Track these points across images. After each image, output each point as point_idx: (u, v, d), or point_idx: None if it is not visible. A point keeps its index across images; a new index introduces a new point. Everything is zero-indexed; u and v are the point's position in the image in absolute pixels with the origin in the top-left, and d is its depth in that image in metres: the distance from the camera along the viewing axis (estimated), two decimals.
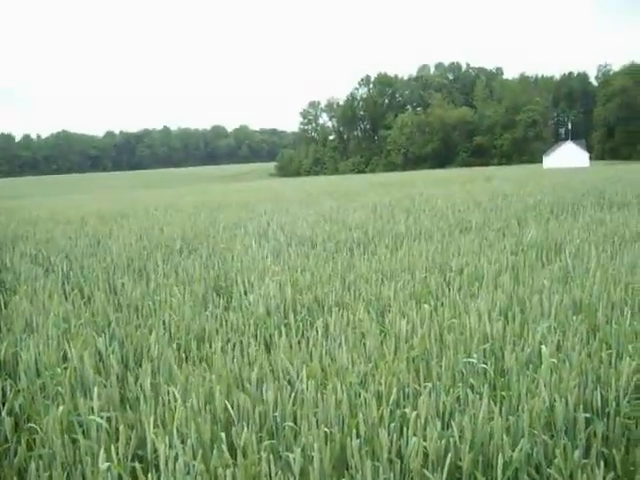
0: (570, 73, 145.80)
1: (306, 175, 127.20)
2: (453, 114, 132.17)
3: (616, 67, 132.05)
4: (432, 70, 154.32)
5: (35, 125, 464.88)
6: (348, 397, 4.63)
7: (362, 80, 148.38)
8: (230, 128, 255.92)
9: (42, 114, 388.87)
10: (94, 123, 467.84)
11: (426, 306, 6.98)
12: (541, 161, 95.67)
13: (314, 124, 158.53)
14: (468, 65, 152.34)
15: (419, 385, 4.98)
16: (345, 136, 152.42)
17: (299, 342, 6.30)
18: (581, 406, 4.34)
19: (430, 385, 4.80)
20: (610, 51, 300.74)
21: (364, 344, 6.06)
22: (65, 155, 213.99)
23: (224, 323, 7.04)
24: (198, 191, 52.40)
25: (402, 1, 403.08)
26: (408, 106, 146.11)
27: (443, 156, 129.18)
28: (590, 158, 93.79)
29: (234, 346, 6.32)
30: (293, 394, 4.77)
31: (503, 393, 4.83)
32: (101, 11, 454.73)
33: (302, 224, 15.89)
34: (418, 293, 8.17)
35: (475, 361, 5.26)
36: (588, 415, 4.46)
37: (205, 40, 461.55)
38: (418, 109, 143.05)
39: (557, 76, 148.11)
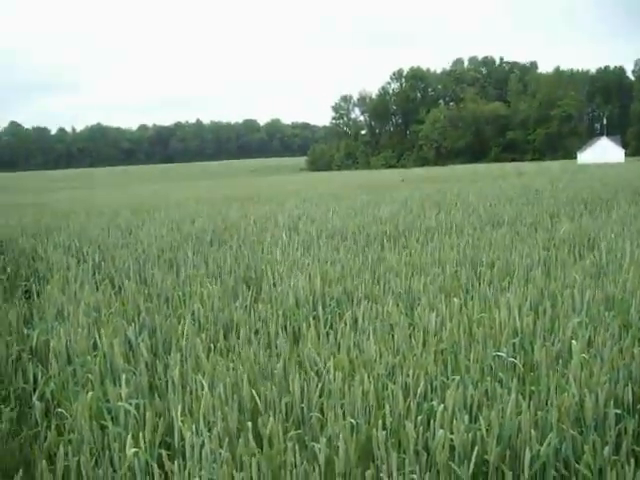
0: (606, 67, 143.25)
1: (337, 169, 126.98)
2: (486, 108, 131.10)
3: None
4: (466, 64, 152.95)
5: (70, 119, 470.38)
6: (375, 389, 4.61)
7: (394, 74, 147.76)
8: (262, 122, 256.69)
9: (78, 108, 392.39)
10: (128, 117, 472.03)
11: (456, 300, 6.94)
12: (575, 157, 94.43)
13: (346, 118, 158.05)
14: (502, 59, 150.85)
15: (447, 378, 4.95)
16: (377, 130, 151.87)
17: (327, 334, 6.30)
18: (612, 402, 4.26)
19: (458, 378, 4.76)
20: None
21: (392, 337, 6.03)
22: (99, 148, 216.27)
23: (252, 314, 7.07)
24: (229, 184, 52.57)
25: None
26: (441, 100, 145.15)
27: (476, 151, 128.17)
28: (625, 154, 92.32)
29: (261, 337, 6.35)
30: (320, 385, 4.77)
31: (532, 387, 4.78)
32: (133, 5, 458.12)
33: (333, 217, 15.90)
34: (448, 287, 8.12)
35: (504, 355, 5.21)
36: (619, 411, 4.39)
37: (239, 34, 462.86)
38: (451, 104, 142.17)
39: (593, 70, 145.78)
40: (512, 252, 10.25)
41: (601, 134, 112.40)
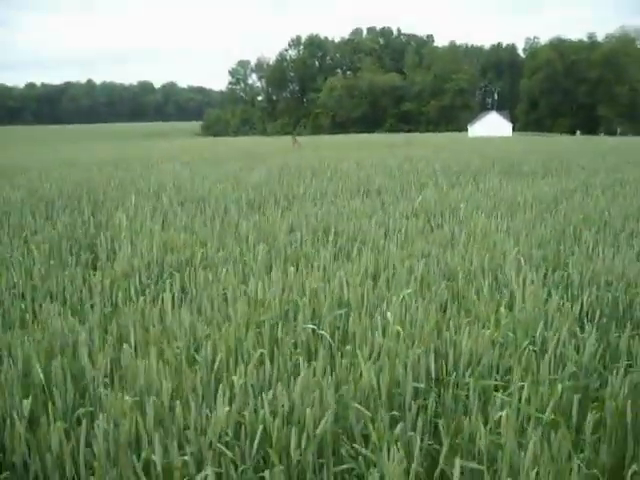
0: (499, 44, 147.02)
1: (233, 135, 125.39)
2: (382, 79, 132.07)
3: (543, 41, 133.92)
4: (364, 34, 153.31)
5: None
6: (170, 363, 4.33)
7: (292, 41, 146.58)
8: (157, 84, 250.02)
9: None
10: (14, 74, 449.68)
11: (292, 268, 6.73)
12: (467, 130, 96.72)
13: (243, 84, 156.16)
14: (399, 31, 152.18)
15: (255, 351, 4.71)
16: (274, 97, 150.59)
17: (152, 302, 5.95)
18: (409, 377, 4.12)
19: (261, 352, 4.53)
20: (539, 25, 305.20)
21: (212, 307, 5.75)
22: None
23: (76, 282, 6.64)
24: (113, 148, 50.81)
25: None
26: (338, 69, 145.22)
27: (371, 121, 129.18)
28: (514, 129, 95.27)
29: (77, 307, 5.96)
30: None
31: (344, 361, 4.61)
32: None
33: (203, 183, 15.45)
34: (294, 255, 7.92)
35: (314, 327, 5.03)
36: (421, 385, 4.28)
37: None
38: (348, 73, 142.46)
39: (487, 46, 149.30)
40: (371, 220, 10.17)
41: (492, 109, 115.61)
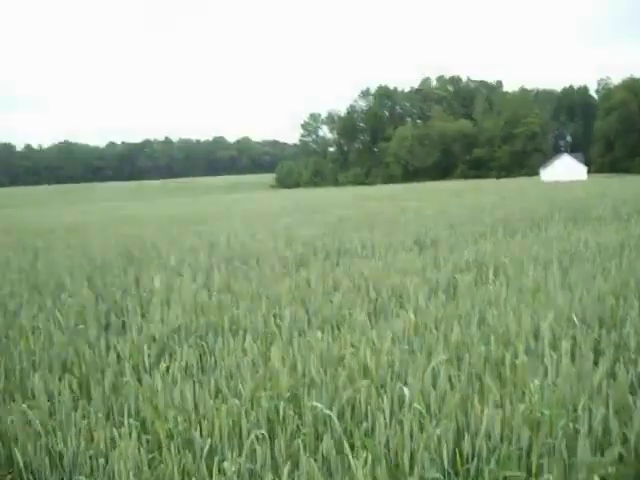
0: (571, 86, 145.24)
1: (305, 187, 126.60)
2: (453, 126, 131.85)
3: (616, 81, 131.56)
4: (433, 83, 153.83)
5: (37, 135, 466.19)
6: None
7: (362, 92, 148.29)
8: (232, 139, 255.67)
9: (44, 124, 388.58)
10: (96, 134, 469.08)
11: (319, 334, 6.32)
12: (539, 174, 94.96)
13: (314, 136, 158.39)
14: (469, 78, 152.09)
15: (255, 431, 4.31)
16: (345, 148, 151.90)
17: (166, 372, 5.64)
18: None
19: (264, 433, 4.12)
20: (610, 66, 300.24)
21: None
22: (67, 165, 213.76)
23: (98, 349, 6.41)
24: (184, 203, 51.73)
25: (405, 14, 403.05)
26: (408, 118, 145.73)
27: (443, 168, 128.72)
28: (589, 171, 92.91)
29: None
30: None
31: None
32: (105, 22, 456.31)
33: (254, 239, 15.31)
34: (327, 318, 7.52)
35: (320, 406, 4.59)
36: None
37: (207, 52, 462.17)
38: (418, 121, 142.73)
39: (558, 90, 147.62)
40: (415, 277, 9.71)
41: (566, 151, 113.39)
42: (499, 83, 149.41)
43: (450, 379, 5.09)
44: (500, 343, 6.05)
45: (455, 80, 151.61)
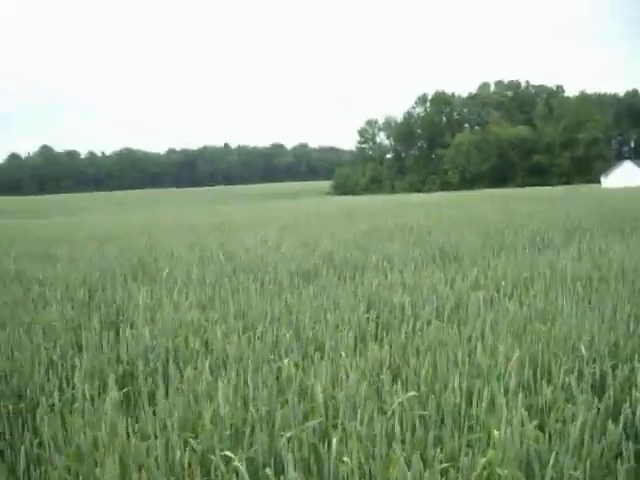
0: (634, 90, 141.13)
1: (361, 194, 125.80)
2: (511, 132, 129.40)
3: None
4: (492, 88, 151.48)
5: (99, 142, 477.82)
6: None
7: (419, 99, 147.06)
8: (289, 146, 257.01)
9: (106, 132, 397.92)
10: (156, 141, 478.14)
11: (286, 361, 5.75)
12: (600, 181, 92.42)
13: (371, 142, 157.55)
14: (528, 83, 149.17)
15: None
16: (402, 155, 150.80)
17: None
18: None
19: None
20: None
21: None
22: (127, 172, 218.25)
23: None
24: (239, 210, 51.68)
25: (462, 18, 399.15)
26: (466, 124, 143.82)
27: (501, 175, 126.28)
28: None
29: None
30: None
31: None
32: (164, 31, 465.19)
33: (272, 249, 14.86)
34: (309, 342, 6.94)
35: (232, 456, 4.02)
36: None
37: (265, 59, 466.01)
38: (476, 127, 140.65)
39: (621, 93, 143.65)
40: (422, 293, 9.06)
41: (629, 158, 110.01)
42: (560, 88, 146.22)
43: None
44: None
45: (514, 85, 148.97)
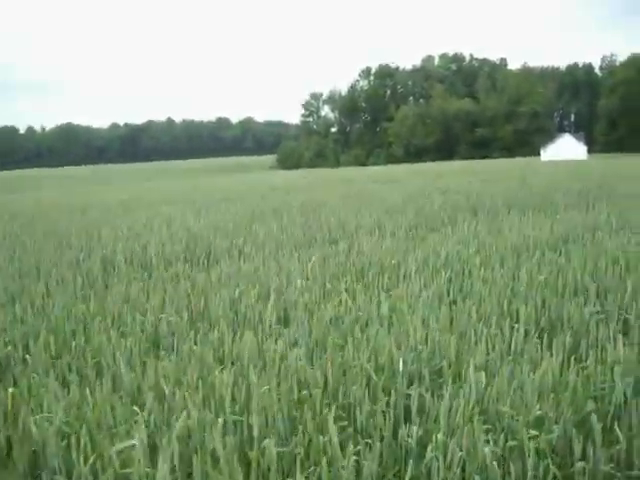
0: (575, 64, 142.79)
1: (307, 167, 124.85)
2: (455, 105, 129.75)
3: (621, 58, 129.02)
4: (436, 61, 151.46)
5: (39, 118, 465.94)
6: None
7: (363, 71, 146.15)
8: (235, 120, 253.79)
9: (47, 107, 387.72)
10: (98, 116, 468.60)
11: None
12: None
13: (316, 116, 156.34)
14: (472, 56, 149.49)
15: None
16: (347, 128, 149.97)
17: None
18: None
19: None
20: (615, 44, 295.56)
21: None
22: (69, 148, 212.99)
23: None
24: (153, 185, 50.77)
25: None
26: (410, 98, 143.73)
27: (445, 148, 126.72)
28: (589, 151, 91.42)
29: None
30: None
31: None
32: (105, 5, 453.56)
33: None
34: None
35: None
36: None
37: (209, 32, 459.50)
38: (420, 101, 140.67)
39: (563, 67, 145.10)
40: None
41: (569, 131, 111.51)
42: (503, 61, 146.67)
43: None
44: None
45: (458, 58, 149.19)
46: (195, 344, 6.21)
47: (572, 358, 5.20)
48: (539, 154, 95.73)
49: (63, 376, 5.78)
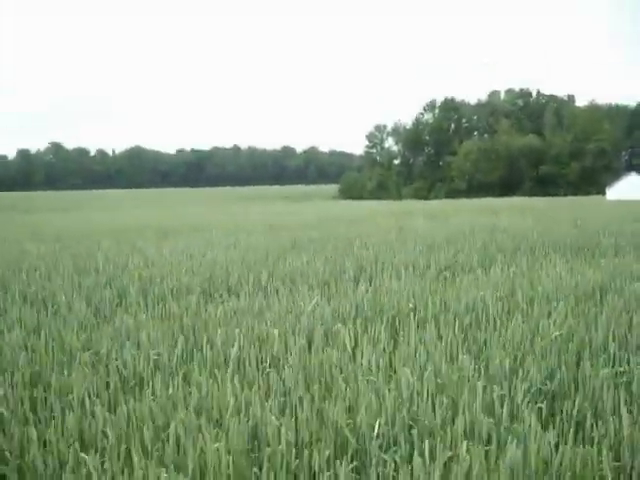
0: None
1: (368, 199, 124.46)
2: (520, 141, 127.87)
3: None
4: (502, 96, 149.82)
5: (110, 141, 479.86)
6: None
7: (427, 105, 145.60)
8: (299, 149, 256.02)
9: (117, 130, 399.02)
10: (166, 141, 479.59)
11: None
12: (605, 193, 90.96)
13: (379, 147, 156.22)
14: (539, 92, 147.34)
15: None
16: (410, 161, 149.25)
17: None
18: None
19: None
20: None
21: None
22: (137, 171, 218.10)
23: None
24: (229, 211, 51.07)
25: (474, 25, 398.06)
26: (475, 132, 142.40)
27: (508, 184, 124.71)
28: None
29: None
30: None
31: None
32: (176, 32, 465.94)
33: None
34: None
35: None
36: None
37: (277, 62, 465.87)
38: (485, 135, 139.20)
39: (632, 104, 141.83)
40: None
41: (637, 170, 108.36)
42: (571, 97, 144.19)
43: None
44: None
45: (524, 94, 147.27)
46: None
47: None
48: (605, 193, 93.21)
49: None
